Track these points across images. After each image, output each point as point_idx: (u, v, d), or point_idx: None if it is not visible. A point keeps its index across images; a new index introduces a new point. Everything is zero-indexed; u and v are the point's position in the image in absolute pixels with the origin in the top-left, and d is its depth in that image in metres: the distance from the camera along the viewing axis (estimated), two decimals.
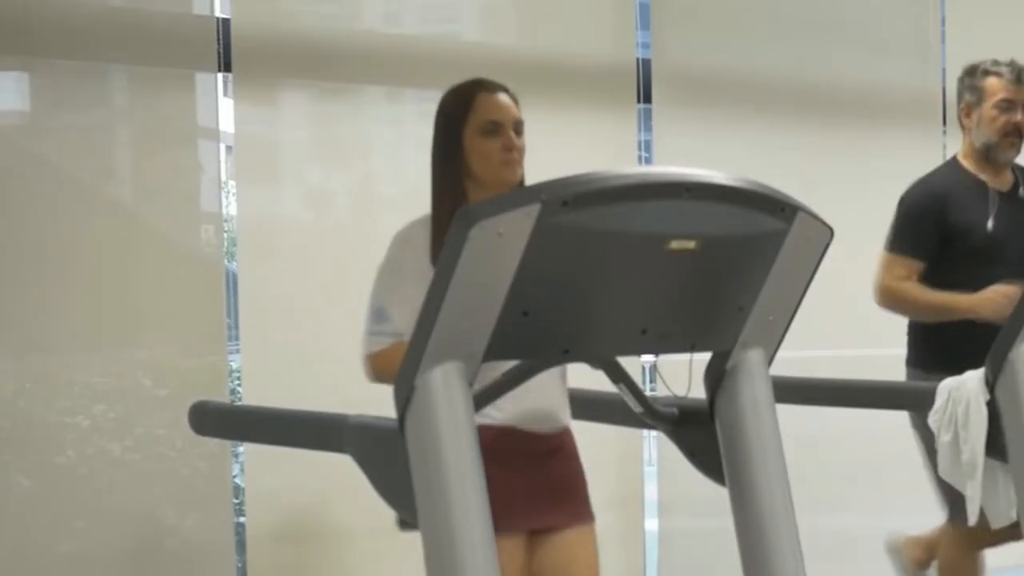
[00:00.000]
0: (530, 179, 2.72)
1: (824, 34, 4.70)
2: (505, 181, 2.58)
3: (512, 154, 2.58)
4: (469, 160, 2.59)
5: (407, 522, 2.46)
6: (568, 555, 2.63)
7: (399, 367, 1.86)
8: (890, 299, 3.55)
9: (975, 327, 3.30)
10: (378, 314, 2.54)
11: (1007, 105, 3.53)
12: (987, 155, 3.57)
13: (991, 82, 3.55)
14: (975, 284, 3.41)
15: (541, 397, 2.56)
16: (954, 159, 3.66)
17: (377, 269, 2.59)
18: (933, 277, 3.52)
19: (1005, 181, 3.61)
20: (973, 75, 3.60)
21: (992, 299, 3.35)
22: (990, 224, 3.49)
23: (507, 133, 2.57)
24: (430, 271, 2.44)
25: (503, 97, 2.62)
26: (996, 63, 3.57)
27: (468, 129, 2.58)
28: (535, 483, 2.59)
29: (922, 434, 3.36)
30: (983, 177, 3.57)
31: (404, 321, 2.43)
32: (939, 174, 3.66)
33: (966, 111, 3.61)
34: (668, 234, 1.88)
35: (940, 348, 3.47)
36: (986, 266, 3.46)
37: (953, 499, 3.23)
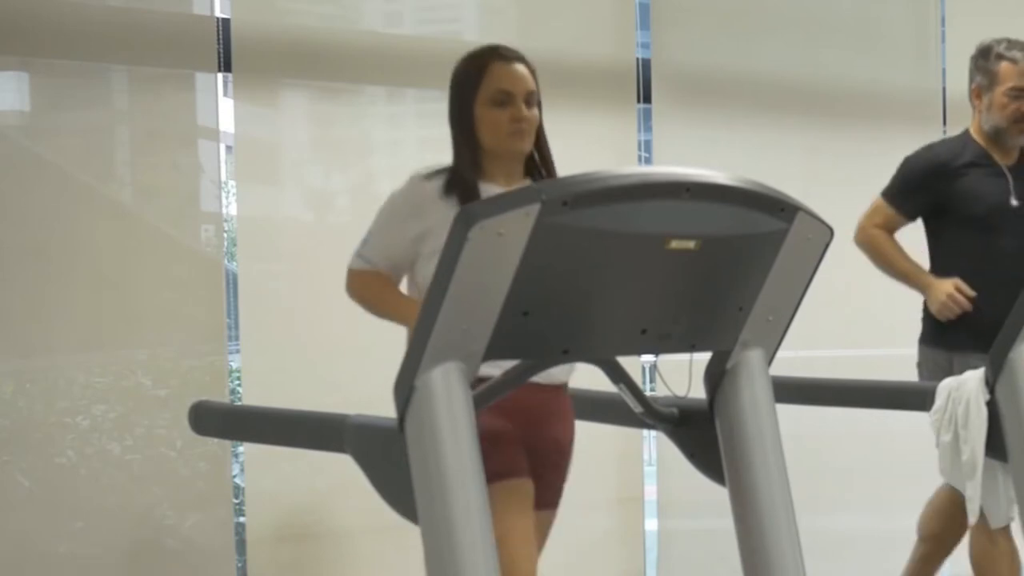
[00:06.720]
0: None
1: (824, 34, 4.70)
2: (514, 151, 2.58)
3: (521, 124, 2.57)
4: (479, 130, 2.59)
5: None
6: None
7: (400, 367, 1.87)
8: (864, 240, 3.64)
9: (997, 307, 3.20)
10: (367, 239, 2.68)
11: (1017, 93, 3.53)
12: (996, 138, 3.59)
13: (1004, 67, 3.55)
14: (980, 252, 3.48)
15: None
16: (967, 132, 3.66)
17: (388, 197, 2.66)
18: (940, 240, 3.57)
19: (1012, 158, 3.62)
20: (987, 57, 3.59)
21: (944, 302, 3.43)
22: (1013, 201, 3.52)
23: (517, 104, 2.56)
24: (426, 231, 2.51)
25: (518, 67, 2.60)
26: (1010, 47, 3.56)
27: (479, 98, 2.57)
28: (531, 447, 2.58)
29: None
30: (993, 153, 3.59)
31: (378, 256, 2.64)
32: (948, 143, 3.69)
33: (977, 92, 3.61)
34: (668, 234, 1.88)
35: (963, 326, 3.45)
36: (992, 236, 3.49)
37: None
